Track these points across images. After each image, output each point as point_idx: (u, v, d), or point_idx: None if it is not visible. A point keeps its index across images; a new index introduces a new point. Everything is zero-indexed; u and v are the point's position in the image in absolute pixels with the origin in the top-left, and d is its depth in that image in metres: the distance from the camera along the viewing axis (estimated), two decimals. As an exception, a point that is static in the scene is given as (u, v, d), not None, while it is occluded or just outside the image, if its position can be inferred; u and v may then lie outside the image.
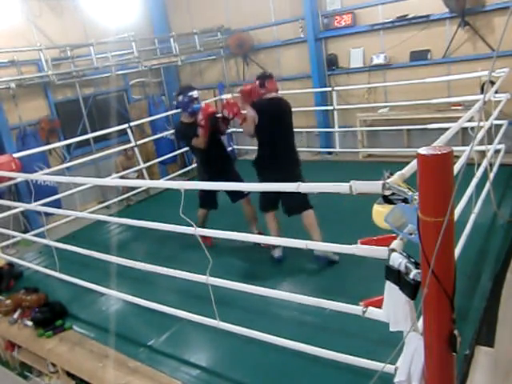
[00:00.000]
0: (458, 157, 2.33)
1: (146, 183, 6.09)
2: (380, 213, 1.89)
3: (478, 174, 3.91)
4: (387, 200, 1.91)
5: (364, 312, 2.18)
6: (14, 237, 5.08)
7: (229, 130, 7.92)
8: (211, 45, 9.03)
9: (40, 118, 7.39)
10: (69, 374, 3.46)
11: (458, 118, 3.45)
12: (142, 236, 5.12)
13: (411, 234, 1.77)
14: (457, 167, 2.19)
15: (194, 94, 4.51)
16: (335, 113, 7.44)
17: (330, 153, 7.96)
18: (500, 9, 6.17)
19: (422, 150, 1.55)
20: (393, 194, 1.87)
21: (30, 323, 3.83)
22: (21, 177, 4.97)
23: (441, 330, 1.68)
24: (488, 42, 6.45)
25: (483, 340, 2.76)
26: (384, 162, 6.12)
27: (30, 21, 7.35)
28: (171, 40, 8.56)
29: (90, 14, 8.12)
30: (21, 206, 5.28)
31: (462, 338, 1.69)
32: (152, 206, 6.49)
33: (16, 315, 3.96)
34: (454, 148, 1.56)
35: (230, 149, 8.36)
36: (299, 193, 3.62)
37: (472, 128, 4.62)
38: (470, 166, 3.73)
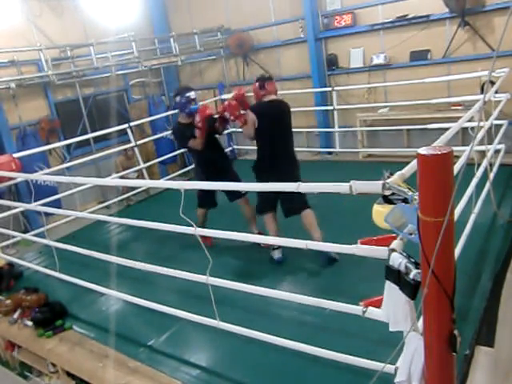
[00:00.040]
0: (458, 157, 2.33)
1: (146, 183, 6.08)
2: (380, 213, 1.89)
3: (478, 174, 3.91)
4: (387, 200, 1.91)
5: (364, 312, 2.18)
6: (14, 237, 5.08)
7: (229, 130, 7.95)
8: (211, 45, 9.03)
9: (40, 118, 7.39)
10: (69, 374, 3.46)
11: (458, 118, 3.45)
12: (142, 236, 5.12)
13: (411, 234, 1.77)
14: (457, 167, 2.19)
15: (192, 94, 4.52)
16: (335, 113, 7.43)
17: (330, 153, 7.95)
18: (500, 9, 6.17)
19: (422, 150, 1.55)
20: (393, 194, 1.87)
21: (29, 323, 3.83)
22: (21, 177, 4.97)
23: (441, 329, 1.68)
24: (488, 42, 6.45)
25: (483, 340, 2.76)
26: (384, 161, 6.12)
27: (30, 21, 7.36)
28: (171, 40, 8.56)
29: (90, 14, 8.12)
30: (21, 206, 5.28)
31: (462, 338, 1.69)
32: (152, 206, 6.49)
33: (16, 315, 3.96)
34: (454, 148, 1.56)
35: (230, 149, 8.40)
36: (298, 193, 3.64)
37: (472, 128, 4.61)
38: (470, 166, 3.73)
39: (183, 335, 3.35)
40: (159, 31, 9.33)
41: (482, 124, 4.15)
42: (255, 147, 4.33)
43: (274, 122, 4.12)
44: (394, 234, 1.92)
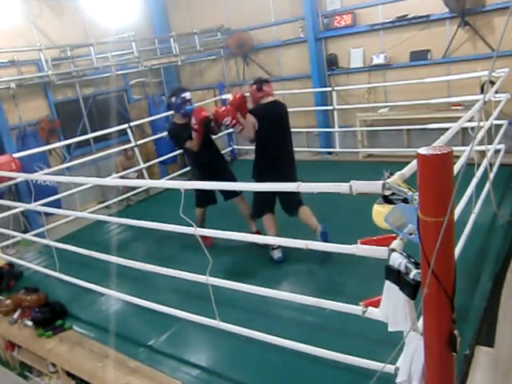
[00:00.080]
0: (458, 157, 2.33)
1: (146, 183, 6.08)
2: (380, 213, 1.89)
3: (478, 174, 3.91)
4: (387, 200, 1.91)
5: (364, 312, 2.18)
6: (14, 237, 5.08)
7: (229, 131, 7.95)
8: (211, 45, 9.03)
9: (40, 118, 7.40)
10: (69, 374, 3.46)
11: (458, 118, 3.45)
12: (141, 236, 5.12)
13: (411, 234, 1.77)
14: (457, 167, 2.19)
15: (187, 95, 4.53)
16: (335, 113, 7.43)
17: (330, 153, 7.95)
18: (500, 9, 6.18)
19: (422, 150, 1.55)
20: (393, 193, 1.87)
21: (29, 323, 3.83)
22: (21, 177, 4.97)
23: (441, 329, 1.68)
24: (488, 42, 6.46)
25: (483, 340, 2.76)
26: (384, 161, 6.12)
27: (30, 21, 7.36)
28: (171, 40, 8.56)
29: (90, 14, 8.12)
30: (21, 206, 5.28)
31: (462, 338, 1.69)
32: (152, 206, 6.49)
33: (16, 315, 3.96)
34: (454, 148, 1.56)
35: (229, 149, 8.40)
36: (295, 192, 3.65)
37: (472, 128, 4.61)
38: (470, 166, 3.72)
39: (183, 335, 3.35)
40: (159, 31, 9.33)
41: (482, 124, 4.15)
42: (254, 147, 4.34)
43: (273, 124, 4.14)
44: (394, 234, 1.92)
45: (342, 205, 4.50)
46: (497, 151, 4.96)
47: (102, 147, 7.23)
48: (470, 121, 3.55)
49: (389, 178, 1.92)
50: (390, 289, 1.83)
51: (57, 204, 5.80)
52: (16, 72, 7.04)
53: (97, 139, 7.30)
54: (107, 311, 3.86)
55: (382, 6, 7.23)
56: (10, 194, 6.59)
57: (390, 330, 1.89)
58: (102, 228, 5.77)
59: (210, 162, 4.57)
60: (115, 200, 6.57)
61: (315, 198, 3.98)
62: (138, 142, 6.72)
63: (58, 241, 4.53)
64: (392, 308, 1.85)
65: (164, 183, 5.62)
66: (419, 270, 1.69)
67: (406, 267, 1.74)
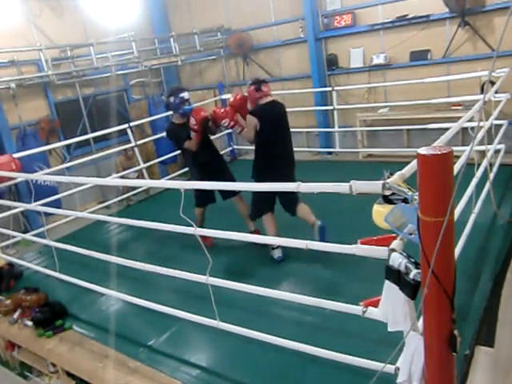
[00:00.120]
0: (458, 157, 2.33)
1: (146, 183, 6.08)
2: (380, 213, 1.89)
3: (478, 174, 3.91)
4: (387, 200, 1.91)
5: (364, 312, 2.18)
6: (14, 237, 5.08)
7: (229, 131, 7.95)
8: (211, 45, 9.03)
9: (40, 118, 7.40)
10: (69, 374, 3.46)
11: (458, 118, 3.45)
12: (141, 236, 5.12)
13: (411, 234, 1.77)
14: (457, 167, 2.19)
15: (185, 95, 4.53)
16: (335, 113, 7.43)
17: (330, 153, 7.95)
18: (500, 9, 6.18)
19: (422, 150, 1.55)
20: (393, 193, 1.87)
21: (29, 323, 3.83)
22: (21, 177, 4.97)
23: (441, 330, 1.68)
24: (488, 42, 6.46)
25: (483, 340, 2.76)
26: (384, 161, 6.12)
27: (30, 21, 7.36)
28: (171, 40, 8.56)
29: (90, 14, 8.12)
30: (21, 206, 5.28)
31: (462, 338, 1.69)
32: (152, 206, 6.49)
33: (16, 315, 3.96)
34: (454, 148, 1.56)
35: (229, 149, 8.40)
36: (294, 192, 3.66)
37: (472, 128, 4.61)
38: (470, 166, 3.73)
39: (183, 335, 3.35)
40: (159, 31, 9.33)
41: (482, 124, 4.15)
42: (254, 148, 4.34)
43: (274, 124, 4.15)
44: (394, 234, 1.92)
45: (342, 205, 4.49)
46: (497, 151, 4.96)
47: (102, 147, 7.22)
48: (470, 121, 3.55)
49: (389, 177, 1.92)
50: (390, 289, 1.83)
51: (57, 204, 5.80)
52: (16, 72, 7.04)
53: (97, 139, 7.29)
54: (107, 311, 3.86)
55: (382, 6, 7.23)
56: (10, 193, 6.59)
57: (389, 329, 1.89)
58: (102, 228, 5.77)
59: (208, 162, 4.57)
60: (115, 200, 6.58)
61: (315, 198, 4.00)
62: (138, 142, 6.72)
63: (58, 241, 4.53)
64: (392, 308, 1.85)
65: (164, 183, 5.62)
66: (419, 270, 1.69)
67: (406, 267, 1.74)
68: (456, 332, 1.66)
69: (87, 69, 7.67)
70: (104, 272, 3.87)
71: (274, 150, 4.16)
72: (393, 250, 1.83)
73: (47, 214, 5.44)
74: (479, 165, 3.97)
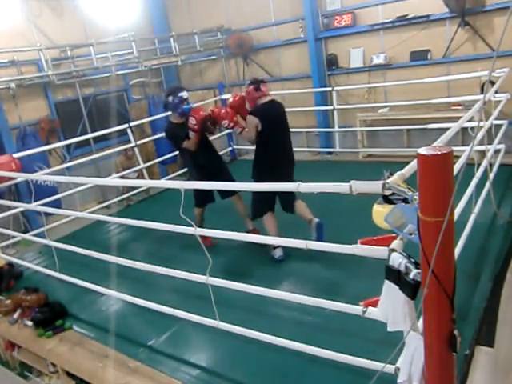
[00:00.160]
0: (458, 157, 2.33)
1: (146, 183, 6.08)
2: (380, 213, 1.89)
3: (478, 174, 3.91)
4: (387, 200, 1.91)
5: (364, 312, 2.18)
6: (14, 237, 5.08)
7: (229, 131, 7.95)
8: (211, 45, 9.03)
9: (40, 118, 7.40)
10: (69, 374, 3.46)
11: (458, 118, 3.45)
12: (141, 236, 5.12)
13: (411, 234, 1.77)
14: (457, 167, 2.19)
15: (184, 94, 4.51)
16: (335, 113, 7.43)
17: (330, 153, 7.95)
18: (500, 9, 6.18)
19: (422, 150, 1.55)
20: (393, 193, 1.87)
21: (29, 323, 3.83)
22: (21, 177, 4.97)
23: (441, 329, 1.68)
24: (488, 42, 6.46)
25: (483, 340, 2.76)
26: (384, 161, 6.12)
27: (30, 21, 7.36)
28: (171, 40, 8.56)
29: (90, 14, 8.13)
30: (21, 206, 5.28)
31: (462, 338, 1.69)
32: (152, 206, 6.49)
33: (16, 315, 3.96)
34: (454, 148, 1.56)
35: (229, 149, 8.40)
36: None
37: (472, 128, 4.61)
38: (470, 166, 3.72)
39: (183, 335, 3.35)
40: (159, 31, 9.33)
41: (482, 124, 4.15)
42: (254, 147, 4.34)
43: (274, 124, 4.16)
44: (394, 234, 1.92)
45: (342, 205, 4.49)
46: (497, 151, 4.96)
47: (102, 147, 7.23)
48: (470, 121, 3.55)
49: (389, 177, 1.92)
50: (390, 289, 1.83)
51: (57, 204, 5.80)
52: (16, 72, 7.04)
53: (97, 139, 7.29)
54: (107, 311, 3.86)
55: (382, 6, 7.23)
56: (10, 193, 6.59)
57: (389, 329, 1.89)
58: (101, 228, 5.77)
59: (207, 162, 4.56)
60: (115, 200, 6.58)
61: (315, 198, 4.00)
62: (138, 142, 6.72)
63: (58, 241, 4.53)
64: (391, 308, 1.85)
65: (164, 183, 5.62)
66: (419, 270, 1.69)
67: (406, 267, 1.74)
68: (456, 332, 1.66)
69: (87, 69, 7.67)
70: (104, 272, 3.87)
71: (274, 150, 4.16)
72: (393, 250, 1.83)
73: (47, 214, 5.44)
74: (479, 165, 3.97)
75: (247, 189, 3.74)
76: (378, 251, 1.96)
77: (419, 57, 7.06)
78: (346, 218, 4.64)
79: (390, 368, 2.02)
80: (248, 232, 4.53)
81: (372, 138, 7.74)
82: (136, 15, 8.75)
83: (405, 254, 1.79)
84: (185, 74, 9.85)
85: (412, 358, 1.82)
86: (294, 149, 4.46)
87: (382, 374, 1.83)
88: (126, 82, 8.91)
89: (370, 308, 2.14)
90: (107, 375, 3.06)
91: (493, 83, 4.99)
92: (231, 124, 4.24)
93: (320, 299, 2.53)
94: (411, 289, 1.72)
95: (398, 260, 1.77)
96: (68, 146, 7.67)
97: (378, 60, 7.40)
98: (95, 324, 3.70)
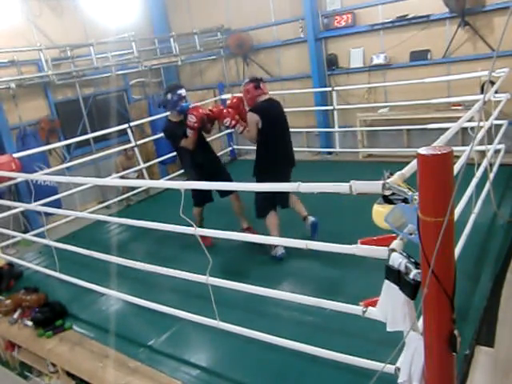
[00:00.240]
0: (458, 157, 2.33)
1: (146, 183, 6.08)
2: (380, 213, 1.89)
3: (478, 174, 3.90)
4: (387, 200, 1.91)
5: (364, 312, 2.18)
6: (14, 237, 5.08)
7: (229, 131, 7.95)
8: (211, 45, 9.03)
9: (40, 117, 7.40)
10: (69, 374, 3.46)
11: (458, 117, 3.45)
12: (141, 236, 5.12)
13: (411, 234, 1.77)
14: (457, 167, 2.19)
15: (183, 92, 4.51)
16: (335, 113, 7.43)
17: (330, 153, 7.95)
18: (500, 9, 6.18)
19: (422, 150, 1.55)
20: (393, 193, 1.87)
21: (29, 323, 3.83)
22: (21, 177, 4.97)
23: (441, 329, 1.68)
24: (488, 42, 6.46)
25: (483, 340, 2.76)
26: (384, 161, 6.12)
27: (30, 21, 7.36)
28: (171, 40, 8.56)
29: (90, 14, 8.13)
30: (21, 206, 5.28)
31: (462, 338, 1.69)
32: (152, 206, 6.49)
33: (16, 315, 3.96)
34: (454, 148, 1.56)
35: (229, 149, 8.40)
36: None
37: (472, 128, 4.61)
38: (470, 166, 3.72)
39: (183, 335, 3.35)
40: (159, 31, 9.33)
41: (482, 124, 4.15)
42: (255, 147, 4.34)
43: (274, 121, 4.19)
44: (394, 234, 1.91)
45: (342, 205, 4.50)
46: (497, 151, 4.96)
47: (102, 147, 7.22)
48: (469, 121, 3.55)
49: (389, 177, 1.92)
50: (390, 288, 1.83)
51: (57, 204, 5.80)
52: (16, 72, 7.04)
53: (97, 139, 7.29)
54: (107, 311, 3.85)
55: (382, 6, 7.23)
56: (10, 193, 6.59)
57: (388, 329, 1.89)
58: (101, 228, 5.76)
59: (204, 161, 4.56)
60: (115, 200, 6.58)
61: (315, 198, 4.00)
62: (138, 142, 6.72)
63: (57, 241, 4.53)
64: (391, 308, 1.85)
65: (164, 183, 5.62)
66: (419, 270, 1.69)
67: (406, 267, 1.74)
68: (456, 332, 1.66)
69: (87, 69, 7.67)
70: (104, 272, 3.87)
71: (274, 148, 4.20)
72: (393, 250, 1.83)
73: (47, 214, 5.44)
74: (479, 165, 3.97)
75: (246, 189, 3.73)
76: (378, 251, 1.96)
77: (419, 57, 7.06)
78: (346, 218, 4.64)
79: (390, 368, 2.02)
80: (242, 230, 4.54)
81: (372, 137, 7.74)
82: (136, 15, 8.76)
83: (405, 254, 1.79)
84: (185, 73, 9.85)
85: (412, 358, 1.82)
86: (294, 149, 4.48)
87: (382, 374, 1.83)
88: (126, 82, 8.91)
89: (370, 308, 2.14)
90: (107, 375, 3.06)
91: (493, 83, 4.99)
92: (233, 122, 4.23)
93: (320, 299, 2.53)
94: (411, 289, 1.72)
95: (398, 260, 1.77)
96: (68, 146, 7.67)
97: (378, 60, 7.40)
98: (95, 324, 3.70)
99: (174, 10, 9.57)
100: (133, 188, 6.67)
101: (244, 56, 8.86)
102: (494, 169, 4.50)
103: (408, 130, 7.21)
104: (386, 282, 1.84)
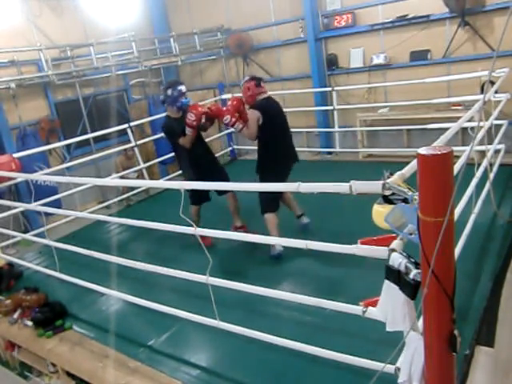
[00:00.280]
0: (458, 157, 2.33)
1: (146, 183, 6.09)
2: (380, 213, 1.89)
3: (478, 174, 3.91)
4: (387, 200, 1.91)
5: (364, 312, 2.18)
6: (14, 237, 5.08)
7: (229, 130, 7.95)
8: (211, 45, 9.03)
9: (40, 118, 7.40)
10: (69, 374, 3.46)
11: (458, 117, 3.45)
12: (141, 236, 5.12)
13: (411, 234, 1.77)
14: (457, 167, 2.19)
15: (183, 88, 4.50)
16: (335, 113, 7.42)
17: (330, 153, 7.95)
18: (500, 9, 6.18)
19: (422, 150, 1.55)
20: (393, 193, 1.87)
21: (29, 323, 3.83)
22: (21, 177, 4.97)
23: (441, 329, 1.68)
24: (488, 42, 6.46)
25: (483, 340, 2.76)
26: (384, 161, 6.12)
27: (30, 21, 7.36)
28: (171, 40, 8.56)
29: (90, 14, 8.13)
30: (21, 206, 5.28)
31: (462, 338, 1.69)
32: (152, 206, 6.49)
33: (16, 315, 3.96)
34: (454, 148, 1.56)
35: (230, 149, 8.40)
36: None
37: (472, 128, 4.61)
38: (470, 166, 3.72)
39: (183, 335, 3.35)
40: (159, 31, 9.33)
41: (482, 124, 4.15)
42: (255, 147, 4.35)
43: (275, 118, 4.24)
44: (394, 234, 1.91)
45: (342, 205, 4.50)
46: (497, 151, 4.96)
47: (102, 147, 7.22)
48: (469, 121, 3.55)
49: (389, 177, 1.92)
50: (390, 288, 1.83)
51: (57, 204, 5.80)
52: (16, 72, 7.04)
53: (97, 139, 7.30)
54: (107, 311, 3.86)
55: (382, 6, 7.23)
56: (10, 193, 6.59)
57: (388, 329, 1.89)
58: (101, 228, 5.76)
59: (201, 159, 4.55)
60: (115, 200, 6.58)
61: (315, 198, 4.00)
62: (138, 142, 6.72)
63: (57, 241, 4.53)
64: (391, 308, 1.85)
65: (164, 183, 5.61)
66: (419, 270, 1.69)
67: (406, 267, 1.74)
68: (456, 332, 1.66)
69: (87, 69, 7.67)
70: (104, 272, 3.87)
71: (276, 144, 4.24)
72: (393, 250, 1.83)
73: (47, 214, 5.43)
74: (479, 165, 3.97)
75: (246, 189, 3.74)
76: (378, 251, 1.96)
77: (419, 57, 7.06)
78: (346, 218, 4.64)
79: (390, 368, 2.02)
80: (235, 229, 4.55)
81: (372, 137, 7.74)
82: (136, 15, 8.75)
83: (405, 254, 1.79)
84: (185, 73, 9.84)
85: (412, 358, 1.82)
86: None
87: (382, 374, 1.83)
88: (126, 82, 8.91)
89: (370, 308, 2.14)
90: (107, 375, 3.06)
91: (493, 83, 4.99)
92: (233, 120, 4.23)
93: (320, 299, 2.53)
94: (411, 289, 1.72)
95: (398, 260, 1.77)
96: (68, 146, 7.67)
97: (378, 60, 7.40)
98: (95, 324, 3.70)
99: (174, 9, 9.57)
100: (133, 188, 6.67)
101: (244, 56, 8.86)
102: (494, 169, 4.50)
103: (408, 130, 7.21)
104: (386, 281, 1.84)
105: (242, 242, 4.13)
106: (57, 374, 3.58)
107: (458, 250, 2.94)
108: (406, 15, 6.95)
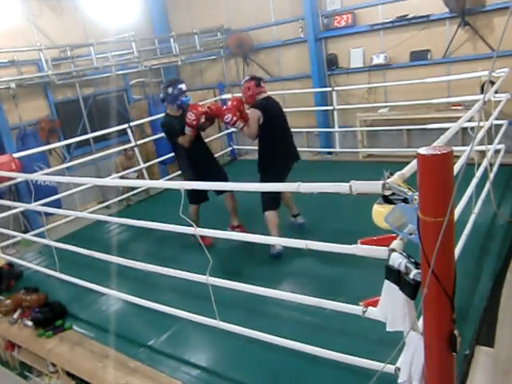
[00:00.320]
0: (458, 157, 2.33)
1: (146, 183, 6.08)
2: (380, 213, 1.89)
3: (478, 174, 3.91)
4: (387, 200, 1.91)
5: (364, 312, 2.18)
6: (14, 237, 5.07)
7: (229, 130, 7.95)
8: (211, 45, 9.03)
9: (40, 118, 7.40)
10: (69, 374, 3.46)
11: (458, 117, 3.45)
12: (141, 236, 5.12)
13: (411, 234, 1.77)
14: (457, 167, 2.19)
15: (183, 86, 4.51)
16: (335, 113, 7.42)
17: (330, 153, 7.95)
18: (500, 9, 6.18)
19: (422, 150, 1.55)
20: (393, 193, 1.87)
21: (29, 323, 3.83)
22: (21, 177, 4.97)
23: (441, 329, 1.68)
24: (488, 42, 6.46)
25: (483, 340, 2.76)
26: (384, 161, 6.12)
27: (30, 21, 7.36)
28: (171, 40, 8.56)
29: (90, 14, 8.13)
30: (21, 206, 5.28)
31: (462, 338, 1.69)
32: (152, 206, 6.49)
33: (16, 315, 3.96)
34: (454, 148, 1.56)
35: (230, 149, 8.40)
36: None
37: (472, 128, 4.61)
38: (470, 166, 3.72)
39: (183, 335, 3.35)
40: (159, 31, 9.33)
41: (482, 124, 4.15)
42: (255, 147, 4.35)
43: (275, 117, 4.26)
44: (394, 234, 1.91)
45: (342, 205, 4.50)
46: (497, 151, 4.96)
47: (102, 147, 7.22)
48: (469, 121, 3.55)
49: (389, 177, 1.92)
50: (390, 288, 1.83)
51: (57, 204, 5.80)
52: (16, 72, 7.04)
53: (97, 139, 7.30)
54: (107, 311, 3.86)
55: (382, 6, 7.23)
56: (10, 193, 6.59)
57: (388, 329, 1.89)
58: (101, 228, 5.76)
59: (200, 159, 4.56)
60: (115, 200, 6.58)
61: (315, 198, 4.00)
62: (138, 142, 6.72)
63: (57, 241, 4.53)
64: (391, 308, 1.85)
65: (164, 183, 5.61)
66: (419, 270, 1.69)
67: (406, 267, 1.74)
68: (456, 332, 1.66)
69: (87, 69, 7.67)
70: (104, 272, 3.87)
71: (276, 143, 4.26)
72: (393, 250, 1.83)
73: (47, 214, 5.43)
74: (479, 165, 3.97)
75: (245, 189, 3.74)
76: (378, 251, 1.96)
77: (419, 57, 7.06)
78: (345, 218, 4.64)
79: (390, 368, 2.02)
80: (232, 228, 4.55)
81: (372, 137, 7.74)
82: (136, 15, 8.76)
83: (405, 254, 1.79)
84: (185, 73, 9.84)
85: (412, 358, 1.82)
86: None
87: (382, 374, 1.83)
88: (126, 82, 8.91)
89: (370, 308, 2.14)
90: (107, 375, 3.06)
91: (493, 83, 4.99)
92: (234, 118, 4.22)
93: (320, 299, 2.53)
94: (411, 289, 1.72)
95: (398, 260, 1.77)
96: (68, 146, 7.67)
97: (378, 60, 7.40)
98: (95, 324, 3.70)
99: (174, 9, 9.57)
100: (133, 188, 6.67)
101: (244, 56, 8.86)
102: (494, 169, 4.50)
103: (408, 130, 7.21)
104: (386, 281, 1.84)
105: (242, 242, 4.12)
106: (57, 374, 3.58)
107: (458, 250, 2.94)
108: (406, 15, 6.95)
